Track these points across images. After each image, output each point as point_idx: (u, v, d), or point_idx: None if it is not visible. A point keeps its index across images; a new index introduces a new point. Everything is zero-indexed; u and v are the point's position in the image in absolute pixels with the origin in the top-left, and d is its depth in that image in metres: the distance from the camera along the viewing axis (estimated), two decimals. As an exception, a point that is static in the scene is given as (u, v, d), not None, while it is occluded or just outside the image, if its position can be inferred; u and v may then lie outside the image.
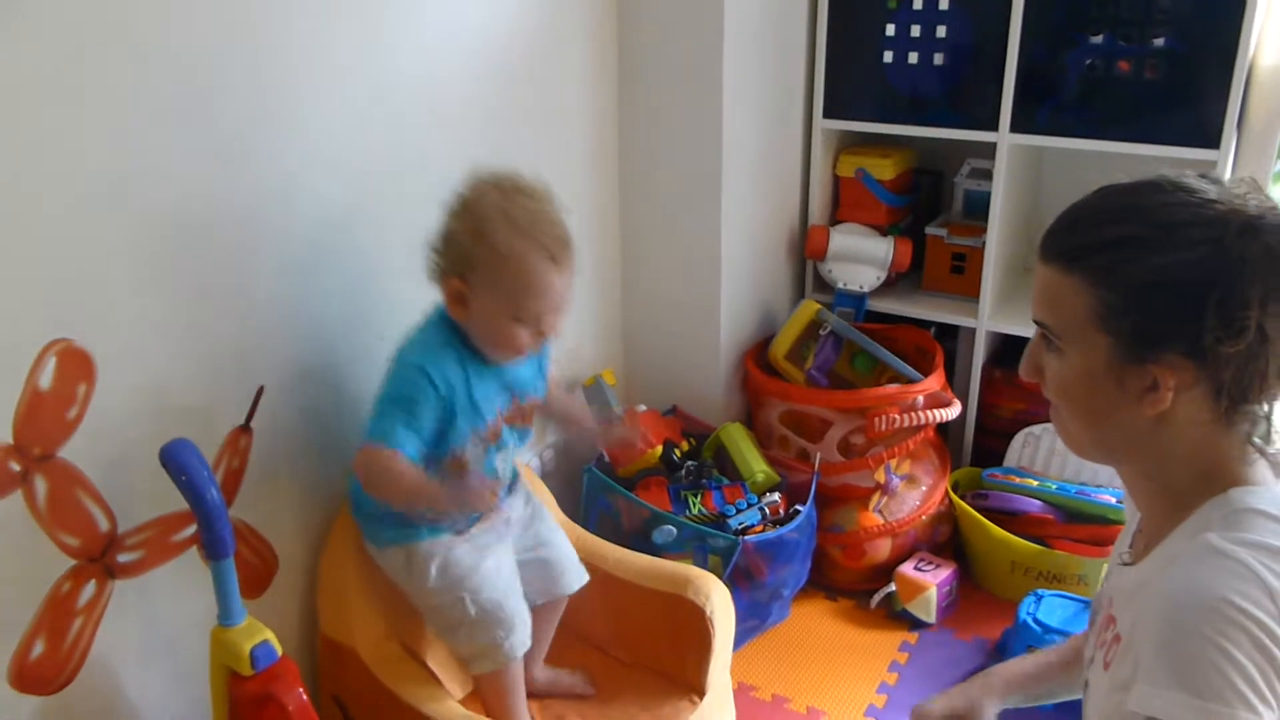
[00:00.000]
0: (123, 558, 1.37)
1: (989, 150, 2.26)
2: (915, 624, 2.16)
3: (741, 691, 1.96)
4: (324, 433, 1.64)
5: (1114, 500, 2.13)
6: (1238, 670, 0.80)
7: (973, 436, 2.45)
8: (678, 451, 2.14)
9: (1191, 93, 2.02)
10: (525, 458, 2.05)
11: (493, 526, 1.56)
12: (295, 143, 1.48)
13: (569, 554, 1.67)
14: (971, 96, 2.24)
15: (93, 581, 1.33)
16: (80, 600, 1.32)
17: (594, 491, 2.05)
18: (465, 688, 1.70)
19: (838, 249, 2.41)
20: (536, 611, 1.58)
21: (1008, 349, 2.45)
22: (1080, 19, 2.08)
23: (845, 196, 2.50)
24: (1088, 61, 2.10)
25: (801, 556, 2.08)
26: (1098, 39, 2.08)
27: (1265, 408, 0.92)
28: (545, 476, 1.94)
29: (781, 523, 2.04)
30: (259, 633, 1.35)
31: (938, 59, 2.24)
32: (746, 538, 1.95)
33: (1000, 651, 2.07)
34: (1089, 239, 0.92)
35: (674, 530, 1.94)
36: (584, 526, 1.88)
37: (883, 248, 2.38)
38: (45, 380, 1.23)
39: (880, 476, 2.18)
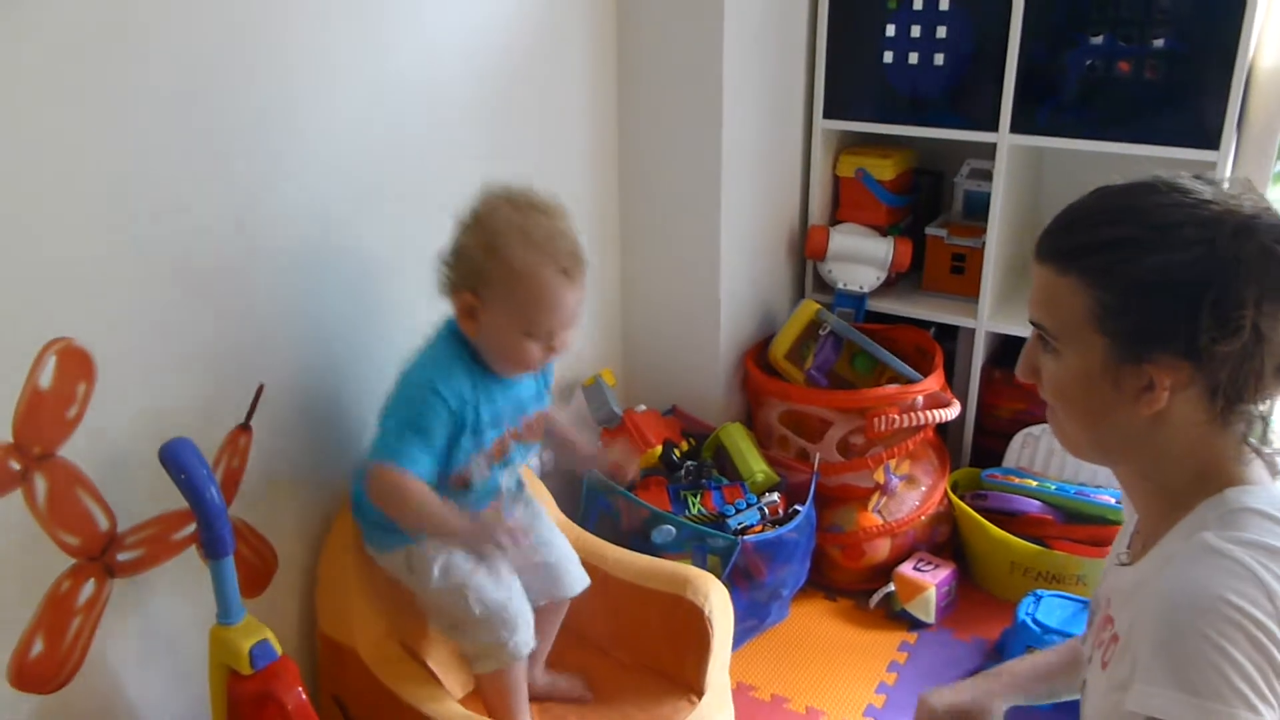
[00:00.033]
0: (122, 556, 1.37)
1: (989, 150, 2.26)
2: (914, 624, 2.16)
3: (740, 691, 1.96)
4: (324, 431, 1.64)
5: (1113, 501, 2.13)
6: (1236, 669, 0.80)
7: (972, 437, 2.46)
8: (677, 451, 2.14)
9: (1191, 93, 2.02)
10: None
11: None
12: (295, 142, 1.48)
13: (570, 556, 1.67)
14: (971, 97, 2.24)
15: (92, 580, 1.34)
16: (80, 599, 1.33)
17: (593, 491, 2.05)
18: (465, 687, 1.70)
19: (837, 249, 2.41)
20: (538, 614, 1.58)
21: (1007, 349, 2.45)
22: (1080, 20, 2.08)
23: (845, 197, 2.50)
24: (1088, 62, 2.10)
25: (801, 556, 2.08)
26: (1098, 39, 2.08)
27: (1261, 407, 0.92)
28: (545, 476, 1.94)
29: (781, 523, 2.04)
30: (258, 631, 1.35)
31: (938, 59, 2.24)
32: (746, 538, 1.95)
33: (999, 652, 2.07)
34: (1085, 240, 0.93)
35: (673, 530, 1.95)
36: (583, 526, 1.88)
37: (882, 248, 2.38)
38: (45, 379, 1.23)
39: (879, 477, 2.19)
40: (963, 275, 2.44)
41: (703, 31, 2.05)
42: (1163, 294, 0.88)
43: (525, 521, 1.64)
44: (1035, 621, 1.97)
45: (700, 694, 1.68)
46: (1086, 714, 1.04)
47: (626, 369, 2.40)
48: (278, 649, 1.36)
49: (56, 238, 1.21)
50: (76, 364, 1.26)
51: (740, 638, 1.99)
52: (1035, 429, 2.33)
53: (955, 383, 2.42)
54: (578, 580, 1.66)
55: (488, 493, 1.53)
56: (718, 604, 1.68)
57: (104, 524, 1.34)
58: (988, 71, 2.18)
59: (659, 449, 2.11)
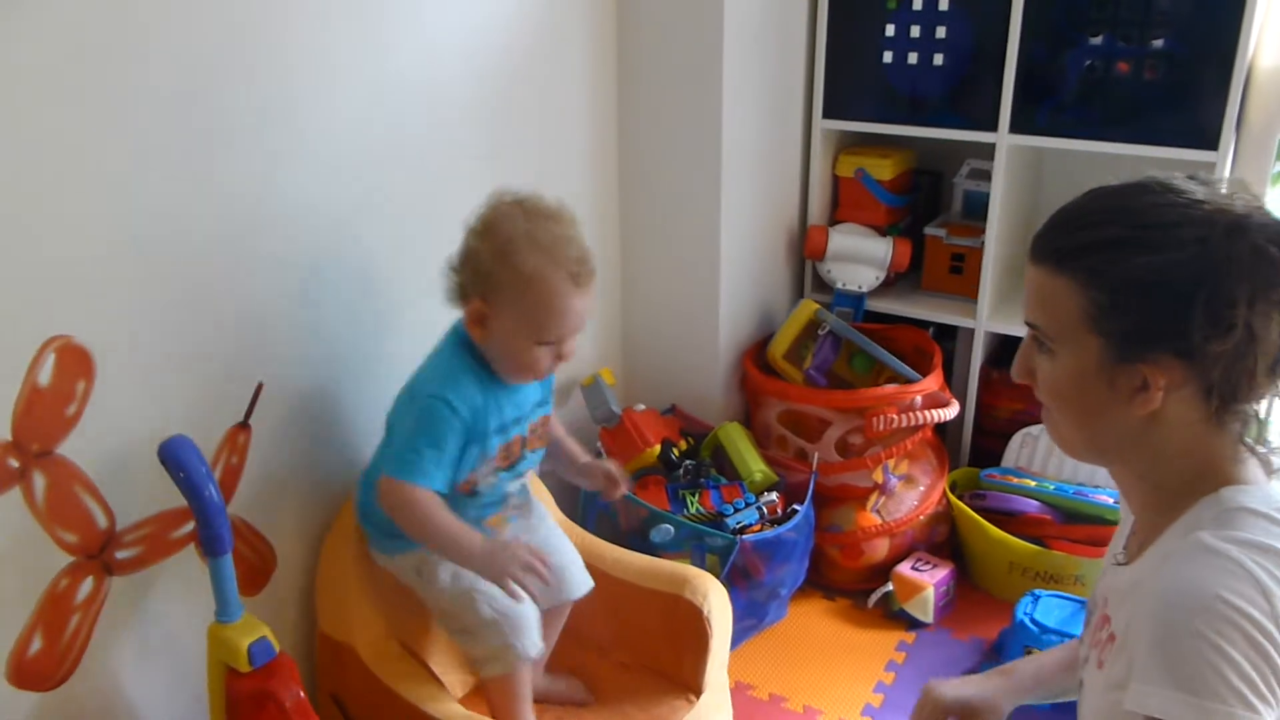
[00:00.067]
0: (121, 554, 1.37)
1: (988, 151, 2.26)
2: (912, 624, 2.16)
3: (739, 691, 1.96)
4: (323, 430, 1.64)
5: (1111, 501, 2.14)
6: (1233, 668, 0.81)
7: (971, 437, 2.46)
8: (676, 451, 2.14)
9: (1190, 94, 2.03)
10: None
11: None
12: (295, 142, 1.48)
13: (574, 559, 1.67)
14: (971, 97, 2.24)
15: (91, 578, 1.34)
16: (78, 596, 1.33)
17: (592, 491, 2.05)
18: (465, 687, 1.70)
19: (837, 249, 2.41)
20: (542, 617, 1.58)
21: (1006, 349, 2.45)
22: (1080, 20, 2.08)
23: (844, 196, 2.50)
24: (1087, 62, 2.10)
25: (799, 556, 2.08)
26: (1097, 40, 2.08)
27: (1255, 407, 0.93)
28: (543, 475, 1.94)
29: (779, 522, 2.04)
30: (256, 629, 1.36)
31: (937, 59, 2.24)
32: (744, 537, 1.95)
33: (997, 651, 2.07)
34: (1079, 240, 0.93)
35: (672, 529, 1.95)
36: (582, 525, 1.88)
37: (882, 248, 2.38)
38: (44, 377, 1.23)
39: (878, 476, 2.19)
40: (962, 275, 2.44)
41: (702, 31, 2.06)
42: (1156, 293, 0.89)
43: (534, 523, 1.64)
44: (1033, 621, 1.97)
45: (698, 693, 1.68)
46: (1083, 714, 1.04)
47: (626, 368, 2.40)
48: (276, 647, 1.36)
49: (56, 236, 1.21)
50: (76, 362, 1.26)
51: (738, 637, 1.99)
52: (1034, 429, 2.33)
53: (954, 383, 2.42)
54: (582, 583, 1.66)
55: (495, 500, 1.53)
56: (717, 604, 1.68)
57: (103, 522, 1.34)
58: (987, 72, 2.19)
59: (657, 448, 2.11)
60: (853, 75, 2.34)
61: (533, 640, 1.52)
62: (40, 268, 1.21)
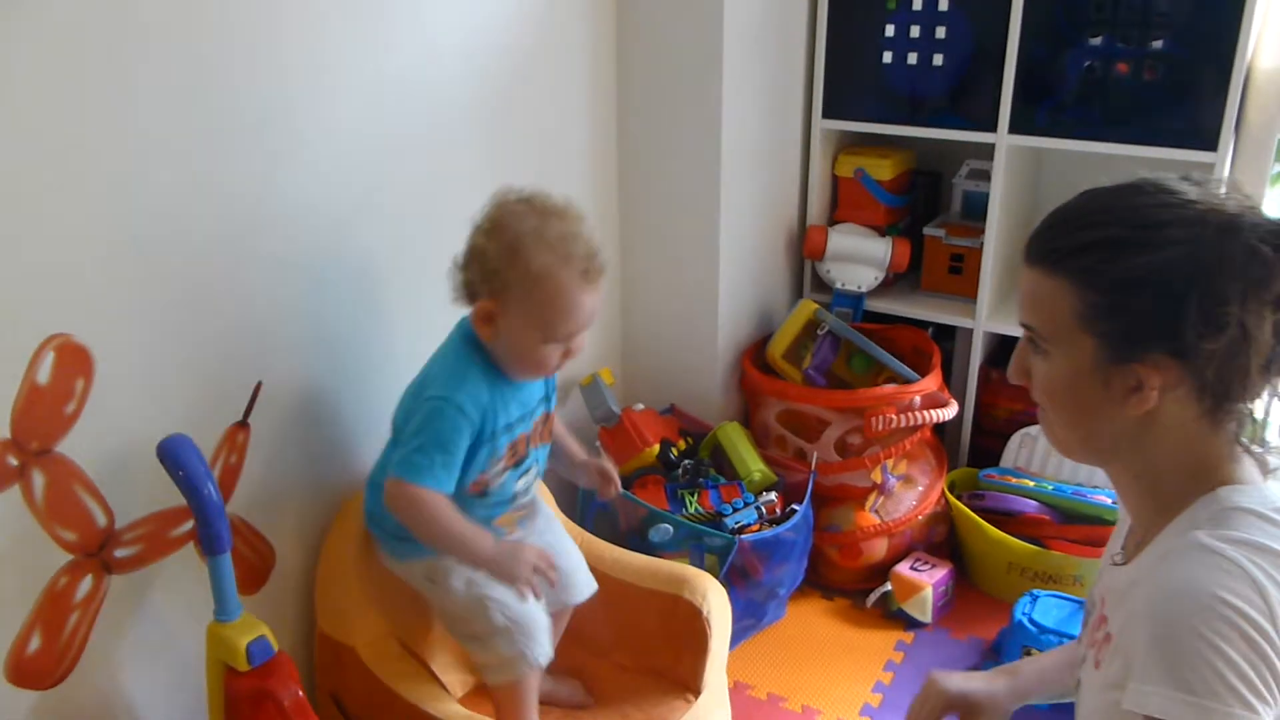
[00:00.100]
0: (120, 553, 1.37)
1: (988, 151, 2.26)
2: (911, 624, 2.16)
3: (737, 690, 1.96)
4: (322, 429, 1.64)
5: (1109, 501, 2.14)
6: (1231, 667, 0.81)
7: (969, 437, 2.46)
8: (675, 450, 2.14)
9: (1190, 95, 2.03)
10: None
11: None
12: (294, 141, 1.48)
13: (580, 563, 1.67)
14: (970, 97, 2.24)
15: (90, 576, 1.34)
16: (77, 595, 1.33)
17: (590, 490, 2.05)
18: (464, 687, 1.70)
19: (836, 249, 2.41)
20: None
21: (1005, 350, 2.46)
22: (1079, 21, 2.08)
23: (844, 196, 2.50)
24: (1086, 63, 2.10)
25: (798, 556, 2.08)
26: (1096, 41, 2.08)
27: (1250, 406, 0.93)
28: (543, 474, 1.94)
29: (778, 522, 2.04)
30: (255, 628, 1.36)
31: (937, 60, 2.24)
32: (743, 537, 1.95)
33: (996, 651, 2.08)
34: (1072, 241, 0.93)
35: (670, 529, 1.95)
36: (581, 525, 1.88)
37: (881, 248, 2.38)
38: (43, 375, 1.23)
39: (877, 476, 2.19)
40: (961, 275, 2.44)
41: (702, 32, 2.06)
42: (1149, 293, 0.89)
43: (540, 527, 1.63)
44: (1032, 621, 1.97)
45: (697, 693, 1.68)
46: (1081, 714, 1.04)
47: (625, 368, 2.40)
48: (275, 646, 1.36)
49: (56, 235, 1.21)
50: (75, 360, 1.26)
51: (737, 637, 1.99)
52: (1033, 429, 2.33)
53: (953, 383, 2.42)
54: (585, 587, 1.65)
55: (503, 500, 1.52)
56: (716, 604, 1.68)
57: (102, 520, 1.34)
58: (987, 72, 2.19)
59: (656, 448, 2.11)
60: (852, 75, 2.35)
61: (543, 648, 1.51)
62: (40, 266, 1.21)
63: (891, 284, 2.49)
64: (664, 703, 1.68)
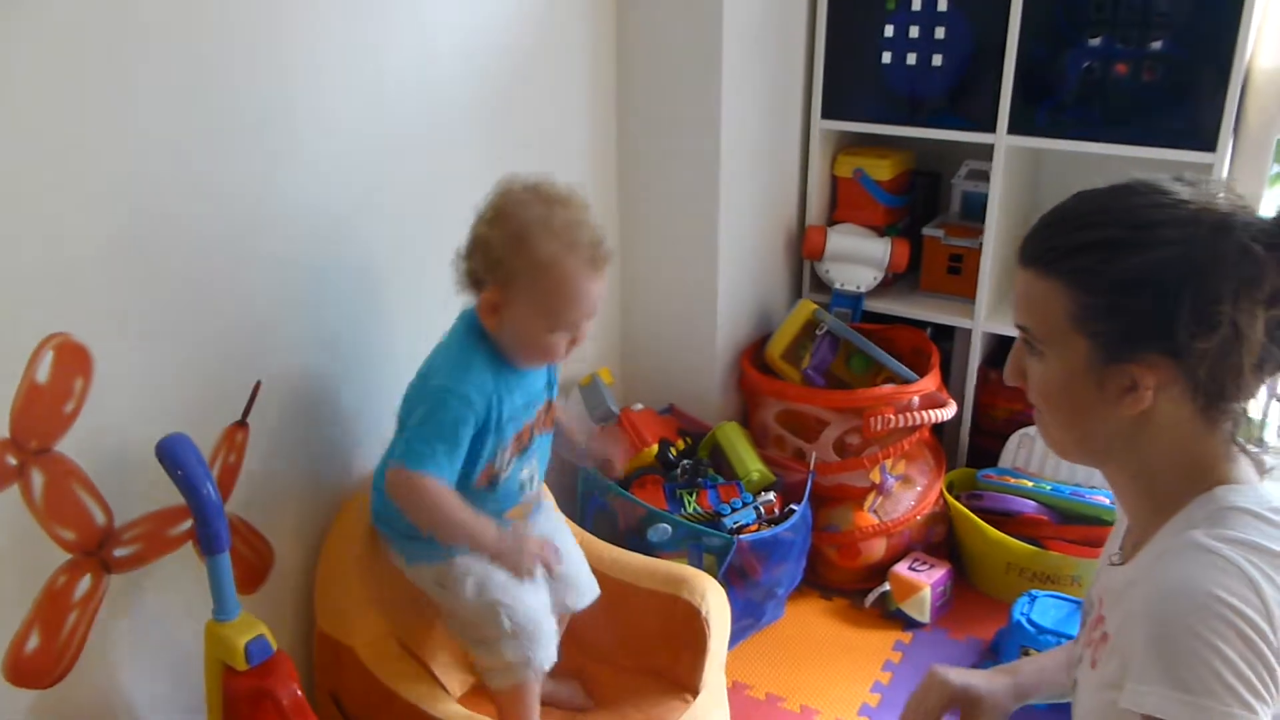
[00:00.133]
0: (119, 552, 1.37)
1: (987, 152, 2.26)
2: (909, 624, 2.17)
3: (736, 690, 1.96)
4: (321, 429, 1.64)
5: (1108, 501, 2.14)
6: (1228, 666, 0.81)
7: (968, 437, 2.46)
8: (673, 450, 2.14)
9: (1189, 95, 2.03)
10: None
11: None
12: (294, 141, 1.48)
13: (584, 569, 1.66)
14: (969, 98, 2.24)
15: (88, 575, 1.34)
16: (76, 594, 1.33)
17: (590, 490, 2.05)
18: (464, 686, 1.70)
19: (835, 249, 2.41)
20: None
21: (1004, 350, 2.45)
22: (1078, 21, 2.08)
23: (843, 197, 2.50)
24: (1086, 64, 2.10)
25: (796, 556, 2.08)
26: (1096, 41, 2.08)
27: (1245, 406, 0.93)
28: (547, 464, 1.94)
29: (776, 522, 2.04)
30: (254, 628, 1.36)
31: (936, 60, 2.25)
32: (742, 537, 1.95)
33: (994, 651, 2.08)
34: (1065, 242, 0.94)
35: (669, 529, 1.95)
36: (579, 524, 1.88)
37: (880, 248, 2.38)
38: (42, 374, 1.23)
39: (875, 476, 2.19)
40: (960, 276, 2.44)
41: (702, 32, 2.06)
42: (1142, 293, 0.90)
43: (547, 530, 1.63)
44: (1030, 622, 1.97)
45: (695, 693, 1.68)
46: (1078, 714, 1.05)
47: (624, 368, 2.40)
48: (273, 645, 1.37)
49: (55, 234, 1.21)
50: (74, 359, 1.26)
51: (736, 637, 1.99)
52: (1031, 430, 2.34)
53: (952, 383, 2.42)
54: (588, 593, 1.65)
55: (511, 490, 1.51)
56: (715, 604, 1.68)
57: (100, 519, 1.34)
58: (986, 72, 2.19)
59: (655, 448, 2.11)
60: (851, 76, 2.35)
61: (549, 654, 1.51)
62: (39, 265, 1.21)
63: (890, 284, 2.49)
64: (662, 703, 1.68)
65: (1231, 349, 0.88)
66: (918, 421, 2.15)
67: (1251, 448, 0.95)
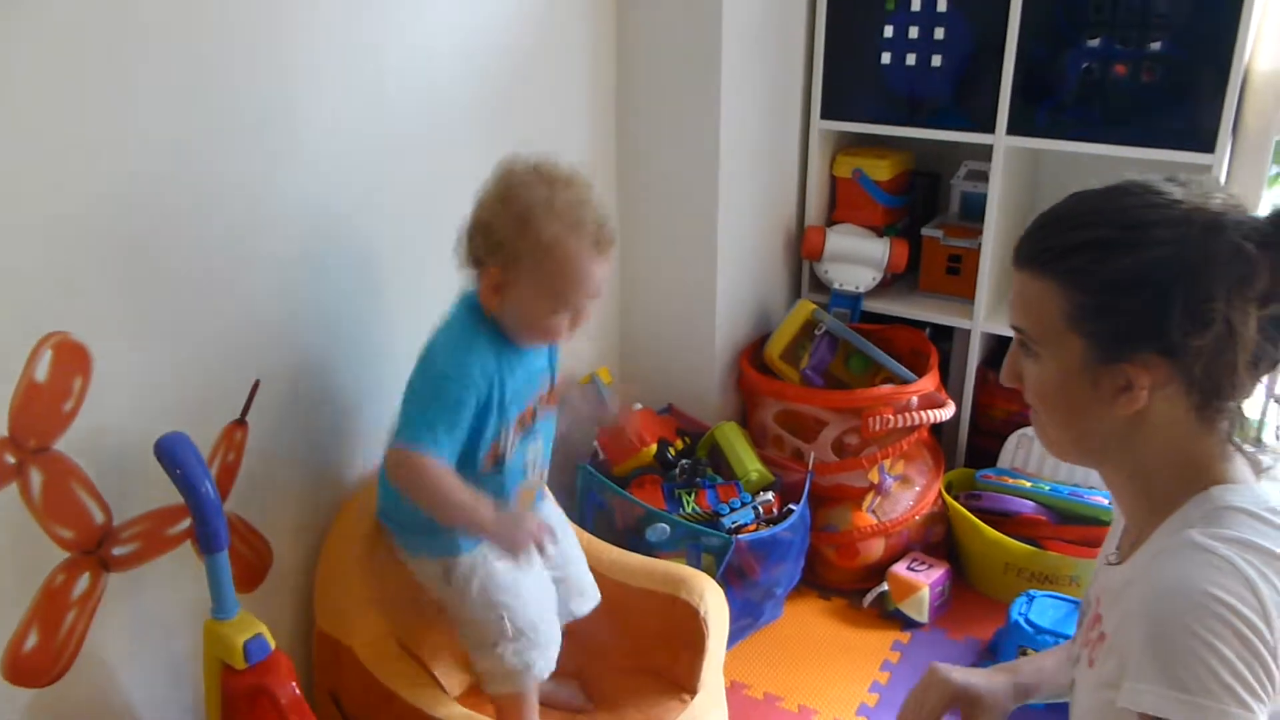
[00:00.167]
0: (117, 551, 1.37)
1: (986, 152, 2.27)
2: (907, 623, 2.17)
3: (734, 690, 1.96)
4: (320, 428, 1.64)
5: (1106, 502, 2.14)
6: (1224, 665, 0.81)
7: (967, 437, 2.46)
8: (672, 450, 2.15)
9: (1188, 96, 2.03)
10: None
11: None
12: (294, 141, 1.48)
13: (585, 574, 1.66)
14: (969, 98, 2.24)
15: (87, 574, 1.34)
16: (74, 593, 1.33)
17: (588, 489, 2.05)
18: (462, 686, 1.70)
19: (834, 249, 2.42)
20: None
21: (1003, 350, 2.44)
22: (1078, 22, 2.09)
23: (842, 197, 2.50)
24: (1085, 64, 2.11)
25: (795, 556, 2.09)
26: (1095, 42, 2.09)
27: (1240, 405, 0.94)
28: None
29: (775, 522, 2.04)
30: (252, 626, 1.36)
31: (935, 61, 2.25)
32: (740, 536, 1.95)
33: (992, 651, 2.08)
34: (1059, 243, 0.94)
35: (668, 529, 1.95)
36: (578, 524, 1.88)
37: (879, 249, 2.38)
38: (41, 373, 1.23)
39: (874, 476, 2.19)
40: (959, 276, 2.44)
41: (701, 32, 2.06)
42: (1136, 292, 0.90)
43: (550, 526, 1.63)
44: (1028, 622, 1.98)
45: (693, 693, 1.68)
46: (1075, 713, 1.05)
47: (623, 368, 2.40)
48: (272, 644, 1.37)
49: (55, 233, 1.22)
50: (73, 358, 1.26)
51: (734, 636, 1.99)
52: (1030, 430, 2.34)
53: (950, 383, 2.42)
54: (590, 599, 1.65)
55: (516, 469, 1.49)
56: (713, 604, 1.69)
57: (99, 518, 1.34)
58: (985, 73, 2.19)
59: (654, 448, 2.12)
60: (851, 76, 2.35)
61: (549, 660, 1.50)
62: (38, 264, 1.21)
63: (889, 285, 2.49)
64: (660, 703, 1.69)
65: (1225, 346, 0.89)
66: (916, 422, 2.15)
67: (1248, 447, 0.95)
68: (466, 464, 1.40)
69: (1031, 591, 2.06)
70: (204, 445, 1.43)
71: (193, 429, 1.36)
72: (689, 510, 2.01)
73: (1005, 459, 2.37)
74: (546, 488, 1.78)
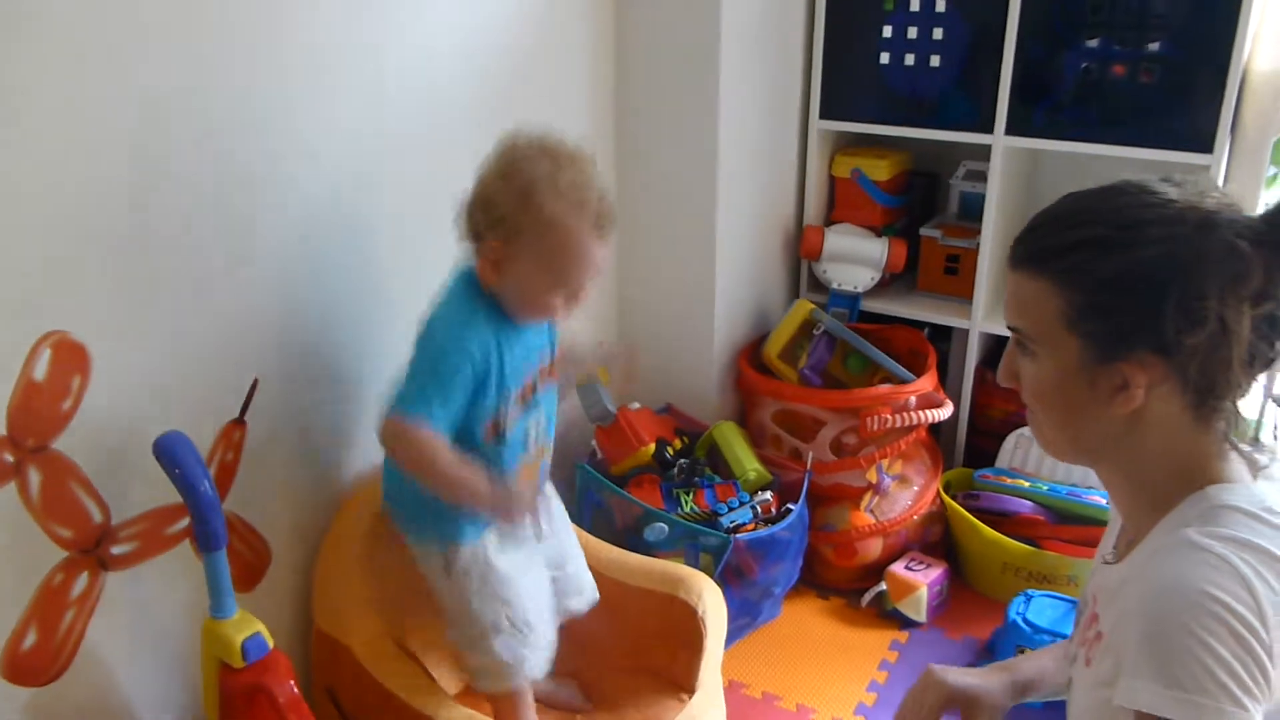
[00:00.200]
0: (116, 550, 1.37)
1: (984, 152, 2.27)
2: (905, 623, 2.17)
3: (732, 689, 1.96)
4: (319, 426, 1.64)
5: (1104, 502, 2.14)
6: (1219, 663, 0.82)
7: (965, 437, 2.46)
8: (670, 449, 2.15)
9: (1186, 97, 2.03)
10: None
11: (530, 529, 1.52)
12: (293, 141, 1.48)
13: (584, 572, 1.66)
14: (967, 98, 2.24)
15: (85, 573, 1.34)
16: (73, 592, 1.33)
17: (586, 488, 2.05)
18: (459, 685, 1.70)
19: (833, 249, 2.42)
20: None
21: (1001, 350, 2.44)
22: (1076, 23, 2.09)
23: (840, 197, 2.50)
24: (1083, 65, 2.11)
25: (793, 555, 2.09)
26: (1093, 43, 2.09)
27: (1236, 403, 0.94)
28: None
29: (773, 521, 2.04)
30: (251, 625, 1.36)
31: (934, 61, 2.25)
32: (738, 536, 1.96)
33: (990, 651, 2.08)
34: (1055, 242, 0.95)
35: (666, 528, 1.95)
36: (577, 523, 1.88)
37: (877, 248, 2.38)
38: (39, 372, 1.23)
39: (872, 476, 2.19)
40: (957, 276, 2.45)
41: (700, 32, 2.06)
42: (1130, 291, 0.90)
43: (557, 527, 1.62)
44: (1026, 621, 1.98)
45: (692, 692, 1.68)
46: (1072, 712, 1.05)
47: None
48: (270, 643, 1.37)
49: (52, 232, 1.22)
50: (71, 357, 1.26)
51: (732, 636, 1.99)
52: (1028, 430, 2.32)
53: (949, 383, 2.43)
54: (589, 598, 1.65)
55: (518, 441, 1.48)
56: (711, 603, 1.69)
57: (98, 517, 1.34)
58: (983, 73, 2.19)
59: (652, 447, 2.12)
60: (849, 76, 2.35)
61: (543, 660, 1.50)
62: (36, 263, 1.21)
63: (888, 284, 2.49)
64: (659, 702, 1.69)
65: (1220, 344, 0.89)
66: (914, 421, 2.15)
67: (1245, 447, 0.96)
68: (467, 437, 1.39)
69: (1029, 591, 2.06)
70: (203, 444, 1.43)
71: (191, 428, 1.36)
72: (687, 510, 2.02)
73: (1003, 459, 2.38)
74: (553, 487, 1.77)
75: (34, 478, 1.25)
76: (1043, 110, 2.17)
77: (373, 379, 1.67)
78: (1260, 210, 0.91)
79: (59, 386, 1.26)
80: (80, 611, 1.35)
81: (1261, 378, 0.96)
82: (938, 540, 2.33)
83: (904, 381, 2.20)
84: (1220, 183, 2.01)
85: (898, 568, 2.19)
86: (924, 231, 2.48)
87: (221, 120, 1.37)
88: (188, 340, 1.40)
